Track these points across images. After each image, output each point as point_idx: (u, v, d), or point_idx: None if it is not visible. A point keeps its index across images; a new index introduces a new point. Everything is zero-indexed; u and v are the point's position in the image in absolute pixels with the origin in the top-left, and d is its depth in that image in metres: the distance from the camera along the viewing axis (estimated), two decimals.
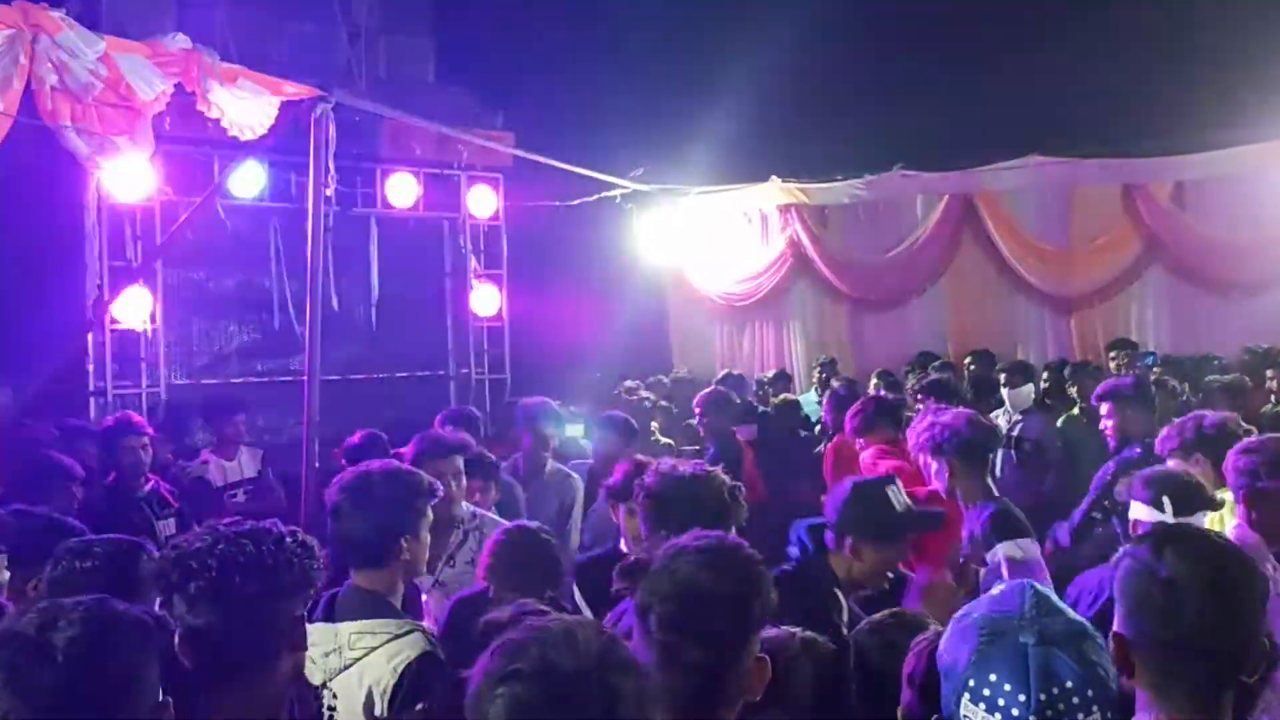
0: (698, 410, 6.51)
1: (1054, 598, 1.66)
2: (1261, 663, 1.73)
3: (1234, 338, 8.85)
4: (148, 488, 5.28)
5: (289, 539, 2.04)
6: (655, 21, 10.23)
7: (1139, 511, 3.26)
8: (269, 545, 1.99)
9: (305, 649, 2.09)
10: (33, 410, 6.18)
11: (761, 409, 8.25)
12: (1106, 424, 5.42)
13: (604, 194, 9.74)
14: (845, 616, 2.96)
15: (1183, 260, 9.41)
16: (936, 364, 8.70)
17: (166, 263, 7.62)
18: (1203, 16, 9.11)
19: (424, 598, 3.46)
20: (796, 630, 2.32)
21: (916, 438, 3.93)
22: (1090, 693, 1.53)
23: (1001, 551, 3.54)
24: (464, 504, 4.00)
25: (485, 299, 9.21)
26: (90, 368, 7.20)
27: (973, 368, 8.52)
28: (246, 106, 5.37)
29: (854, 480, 3.28)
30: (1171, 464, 3.85)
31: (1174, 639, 1.69)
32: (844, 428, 6.44)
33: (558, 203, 9.73)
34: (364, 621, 2.63)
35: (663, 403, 7.78)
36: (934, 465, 3.85)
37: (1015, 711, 1.52)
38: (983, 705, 1.55)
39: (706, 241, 10.63)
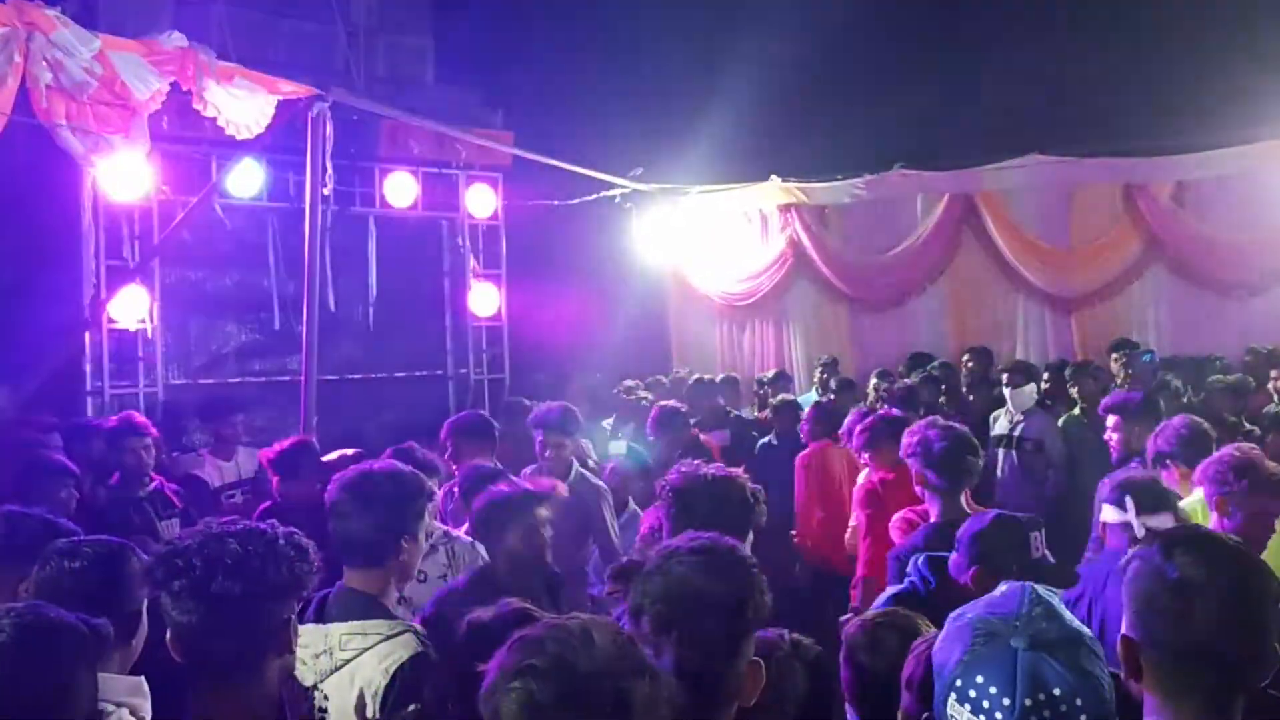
0: (650, 438, 6.44)
1: (1056, 602, 1.61)
2: (1273, 669, 1.68)
3: (1234, 337, 8.81)
4: (151, 488, 5.26)
5: (282, 540, 2.01)
6: (655, 21, 10.21)
7: (1107, 514, 3.37)
8: (258, 546, 1.96)
9: (294, 652, 2.06)
10: (29, 410, 6.16)
11: (734, 413, 8.24)
12: (1112, 436, 5.53)
13: (603, 194, 9.74)
14: None
15: (1183, 260, 9.38)
16: (936, 364, 8.68)
17: (164, 262, 7.59)
18: (1204, 15, 9.08)
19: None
20: (784, 631, 2.32)
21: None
22: (1079, 702, 1.48)
23: None
24: (434, 522, 3.94)
25: (484, 299, 9.18)
26: (87, 367, 7.16)
27: (970, 365, 8.50)
28: (243, 105, 5.37)
29: (998, 515, 3.13)
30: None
31: (1183, 643, 1.65)
32: (821, 439, 6.48)
33: (557, 202, 9.72)
34: (355, 623, 2.61)
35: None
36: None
37: (998, 715, 1.49)
38: (968, 706, 1.53)
39: (706, 241, 10.63)
